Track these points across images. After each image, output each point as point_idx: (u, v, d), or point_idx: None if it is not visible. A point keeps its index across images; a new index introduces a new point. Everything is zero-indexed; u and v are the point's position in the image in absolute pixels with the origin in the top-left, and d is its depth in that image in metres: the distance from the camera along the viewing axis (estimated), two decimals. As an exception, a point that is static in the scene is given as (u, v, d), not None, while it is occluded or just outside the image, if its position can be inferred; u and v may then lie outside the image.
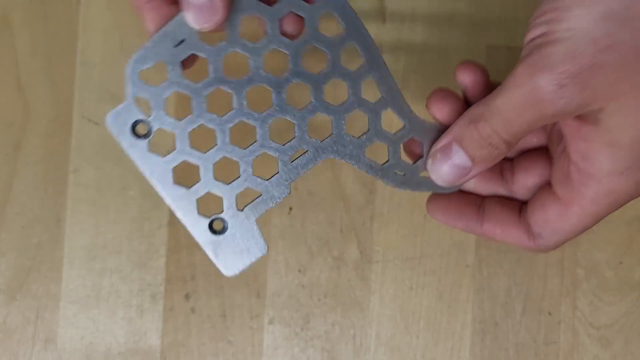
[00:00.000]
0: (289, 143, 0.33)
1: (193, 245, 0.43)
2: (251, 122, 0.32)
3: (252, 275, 0.43)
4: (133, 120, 0.32)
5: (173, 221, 0.43)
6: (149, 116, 0.32)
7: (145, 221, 0.43)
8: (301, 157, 0.33)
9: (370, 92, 0.33)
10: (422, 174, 0.34)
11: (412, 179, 0.34)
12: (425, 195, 0.43)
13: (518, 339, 0.43)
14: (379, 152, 0.33)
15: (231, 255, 0.33)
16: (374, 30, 0.43)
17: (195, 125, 0.32)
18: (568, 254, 0.43)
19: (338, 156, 0.33)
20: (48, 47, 0.44)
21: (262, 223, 0.43)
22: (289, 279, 0.43)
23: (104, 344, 0.43)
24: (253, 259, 0.33)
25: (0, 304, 0.43)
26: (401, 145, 0.34)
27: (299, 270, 0.43)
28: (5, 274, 0.43)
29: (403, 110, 0.33)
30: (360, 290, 0.43)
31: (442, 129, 0.33)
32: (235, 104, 0.32)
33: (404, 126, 0.33)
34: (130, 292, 0.43)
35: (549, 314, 0.43)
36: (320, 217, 0.43)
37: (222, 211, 0.33)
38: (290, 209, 0.43)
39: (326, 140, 0.33)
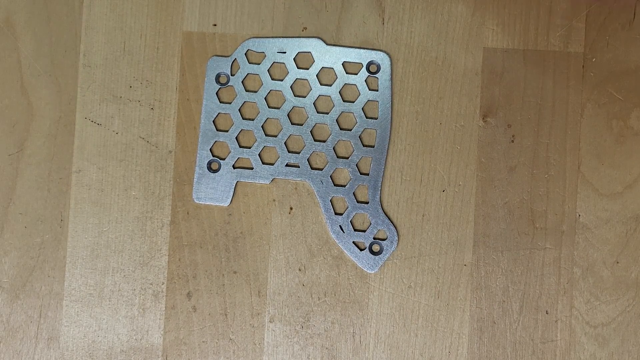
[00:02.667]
0: (295, 154, 0.43)
1: (195, 244, 0.43)
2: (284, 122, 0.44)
3: (253, 274, 0.43)
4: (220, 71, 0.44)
5: (175, 220, 0.43)
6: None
7: (148, 221, 0.43)
8: (293, 167, 0.44)
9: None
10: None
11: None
12: (422, 195, 0.43)
13: (515, 337, 0.43)
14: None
15: (205, 189, 0.44)
16: (373, 31, 0.44)
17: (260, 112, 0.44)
18: (565, 253, 0.44)
19: (313, 186, 0.43)
20: (51, 48, 0.44)
21: (263, 222, 0.43)
22: (289, 277, 0.43)
23: (107, 342, 0.43)
24: (215, 203, 0.43)
25: (4, 303, 0.43)
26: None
27: (299, 269, 0.43)
28: (8, 273, 0.43)
29: (375, 192, 0.43)
30: (359, 289, 0.43)
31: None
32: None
33: (368, 203, 0.43)
34: (132, 291, 0.43)
35: (546, 312, 0.43)
36: (320, 217, 0.43)
37: (225, 158, 0.44)
38: (291, 208, 0.44)
39: (315, 173, 0.43)
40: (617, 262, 0.44)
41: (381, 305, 0.43)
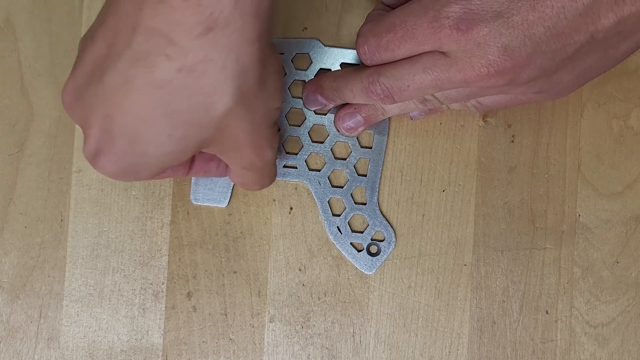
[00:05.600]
0: (293, 155, 0.43)
1: (195, 244, 0.43)
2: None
3: (253, 274, 0.43)
4: None
5: (175, 220, 0.43)
6: None
7: (148, 220, 0.44)
8: (291, 169, 0.43)
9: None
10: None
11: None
12: (422, 195, 0.43)
13: (515, 337, 0.43)
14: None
15: (203, 191, 0.43)
16: (373, 32, 0.44)
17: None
18: (565, 253, 0.44)
19: (311, 187, 0.43)
20: (51, 49, 0.44)
21: (263, 222, 0.43)
22: (289, 277, 0.43)
23: (107, 342, 0.43)
24: (213, 204, 0.43)
25: (4, 303, 0.43)
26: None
27: (299, 269, 0.43)
28: (8, 273, 0.43)
29: (373, 193, 0.43)
30: (359, 289, 0.43)
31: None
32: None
33: (366, 204, 0.43)
34: (132, 291, 0.43)
35: (546, 312, 0.43)
36: (320, 217, 0.43)
37: None
38: (291, 208, 0.44)
39: (313, 174, 0.43)
40: (617, 262, 0.44)
41: (381, 305, 0.43)
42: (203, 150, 0.34)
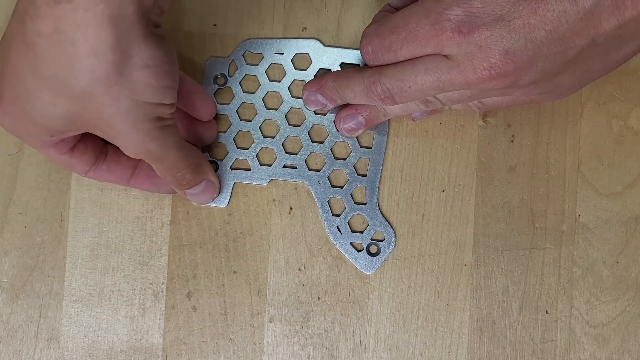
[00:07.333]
0: (293, 155, 0.43)
1: (195, 244, 0.43)
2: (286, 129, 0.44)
3: (253, 274, 0.43)
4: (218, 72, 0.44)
5: (175, 220, 0.43)
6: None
7: (148, 220, 0.44)
8: (290, 168, 0.43)
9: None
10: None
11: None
12: (422, 195, 0.43)
13: (515, 337, 0.43)
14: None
15: None
16: (372, 32, 0.44)
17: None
18: (565, 253, 0.44)
19: (311, 187, 0.43)
20: (51, 49, 0.44)
21: (263, 222, 0.43)
22: (289, 277, 0.43)
23: (107, 342, 0.43)
24: (213, 204, 0.43)
25: (4, 303, 0.43)
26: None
27: (299, 269, 0.43)
28: (8, 273, 0.43)
29: (372, 193, 0.43)
30: (359, 289, 0.43)
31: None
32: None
33: (365, 204, 0.43)
34: (132, 291, 0.43)
35: (546, 312, 0.43)
36: (319, 217, 0.43)
37: (222, 159, 0.43)
38: (291, 208, 0.44)
39: (313, 174, 0.43)
40: (617, 262, 0.44)
41: (381, 305, 0.43)
42: (86, 130, 0.35)
